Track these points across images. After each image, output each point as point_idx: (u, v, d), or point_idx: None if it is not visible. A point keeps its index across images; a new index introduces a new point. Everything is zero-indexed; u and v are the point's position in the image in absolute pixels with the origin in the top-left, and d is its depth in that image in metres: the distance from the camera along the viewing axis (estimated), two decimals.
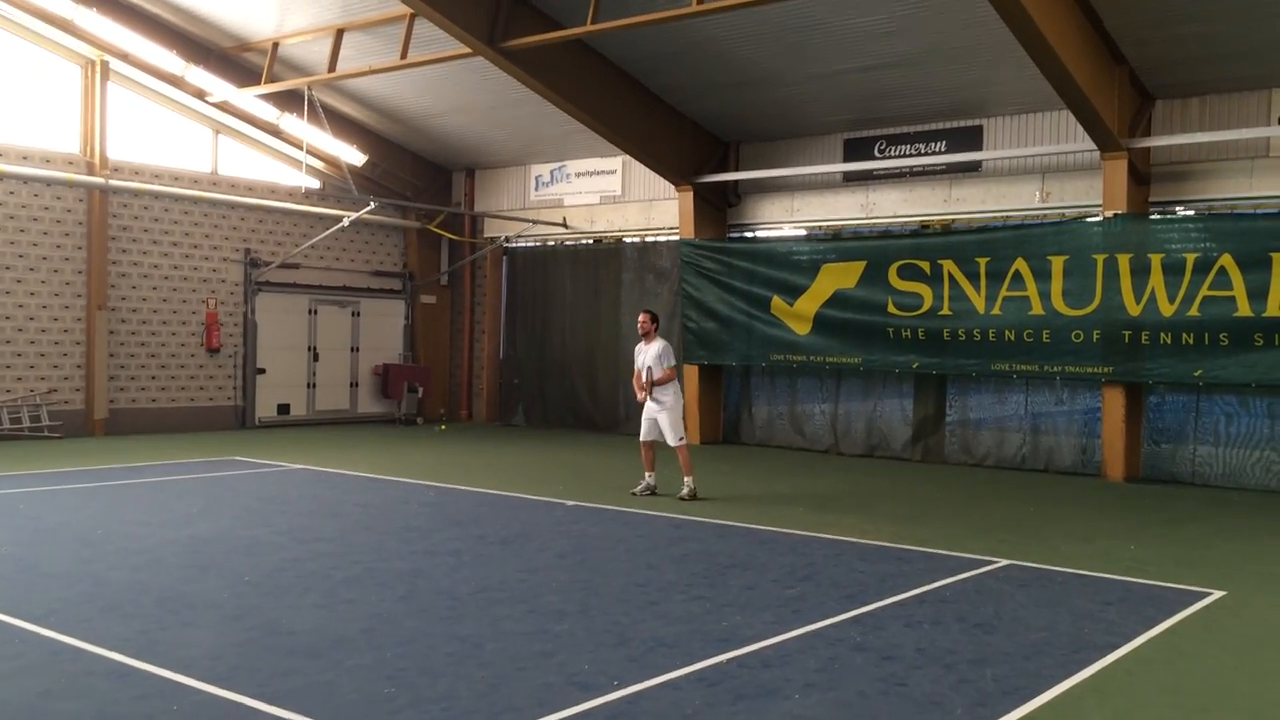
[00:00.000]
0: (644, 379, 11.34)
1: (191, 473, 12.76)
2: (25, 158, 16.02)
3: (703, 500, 11.21)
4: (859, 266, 15.57)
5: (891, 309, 15.23)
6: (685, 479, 11.33)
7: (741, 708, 4.93)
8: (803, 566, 8.07)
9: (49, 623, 6.05)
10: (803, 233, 17.14)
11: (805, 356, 16.20)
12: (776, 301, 16.39)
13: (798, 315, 16.17)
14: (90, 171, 16.64)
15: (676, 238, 17.88)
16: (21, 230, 16.03)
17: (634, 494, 11.43)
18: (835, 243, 16.35)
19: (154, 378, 17.57)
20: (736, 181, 17.46)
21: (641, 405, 11.47)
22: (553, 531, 9.37)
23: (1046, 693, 5.23)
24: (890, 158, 15.93)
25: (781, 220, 17.32)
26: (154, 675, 5.21)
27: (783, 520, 10.08)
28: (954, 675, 5.48)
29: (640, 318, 11.56)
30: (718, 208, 17.63)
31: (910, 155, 15.72)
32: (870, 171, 16.13)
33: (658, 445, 11.58)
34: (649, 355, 11.35)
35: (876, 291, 15.36)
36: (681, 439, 11.38)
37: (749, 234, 17.76)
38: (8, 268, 15.88)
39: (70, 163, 16.52)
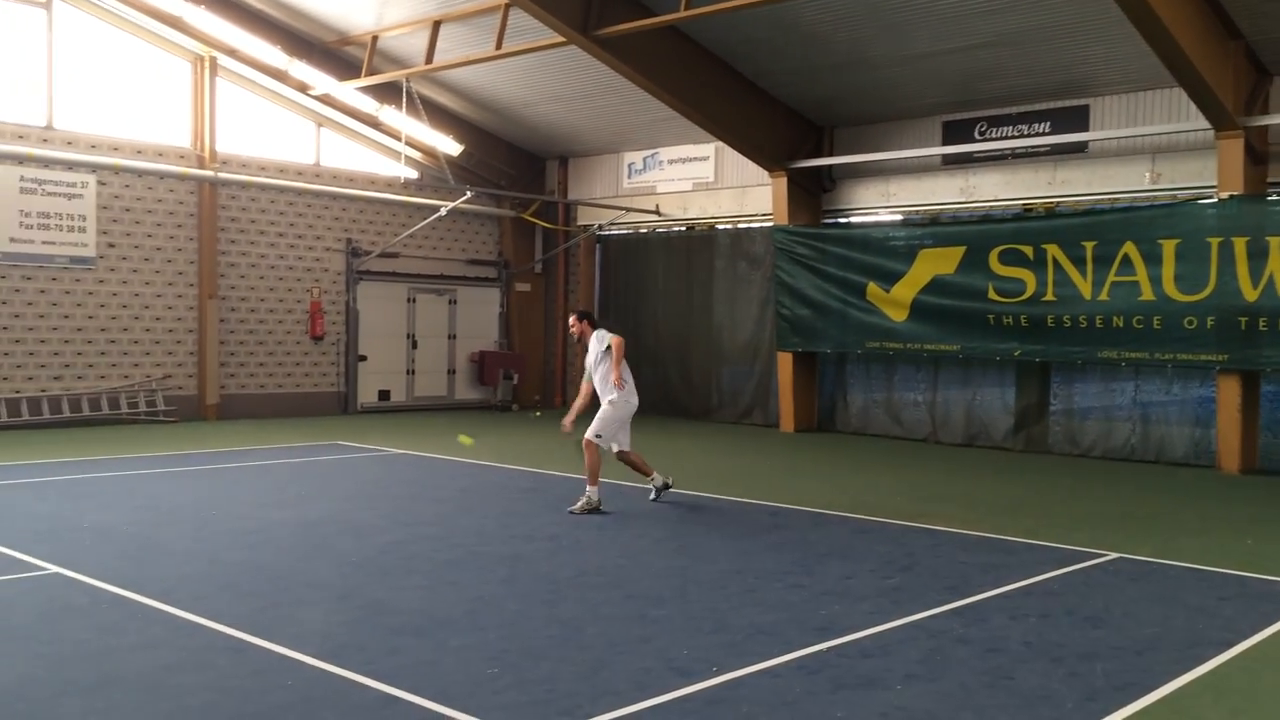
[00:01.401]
0: (591, 377, 10.00)
1: (298, 457, 13.15)
2: (140, 152, 16.65)
3: (604, 513, 9.50)
4: (958, 252, 15.26)
5: (992, 295, 14.89)
6: (587, 488, 9.58)
7: (842, 697, 4.90)
8: (902, 556, 7.97)
9: (170, 599, 6.30)
10: (899, 218, 16.86)
11: (902, 344, 15.95)
12: (872, 288, 16.16)
13: (894, 302, 15.93)
14: (200, 165, 17.22)
15: (770, 224, 17.75)
16: (137, 222, 16.67)
17: (653, 500, 10.13)
18: (933, 227, 16.05)
19: (261, 364, 18.13)
20: (831, 166, 17.24)
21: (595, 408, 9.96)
22: (648, 518, 9.42)
23: (1160, 689, 5.08)
24: (991, 140, 15.55)
25: (877, 205, 17.06)
26: (269, 651, 5.40)
27: (880, 509, 9.96)
28: (1062, 669, 5.36)
29: (570, 322, 10.27)
30: (812, 193, 17.45)
31: (1013, 137, 15.33)
32: (970, 154, 15.78)
33: (631, 449, 10.15)
34: (592, 353, 9.98)
35: (976, 277, 15.03)
36: (599, 437, 9.70)
37: (844, 219, 17.54)
38: (124, 258, 16.54)
39: (182, 156, 17.12)
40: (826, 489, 11.36)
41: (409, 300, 20.18)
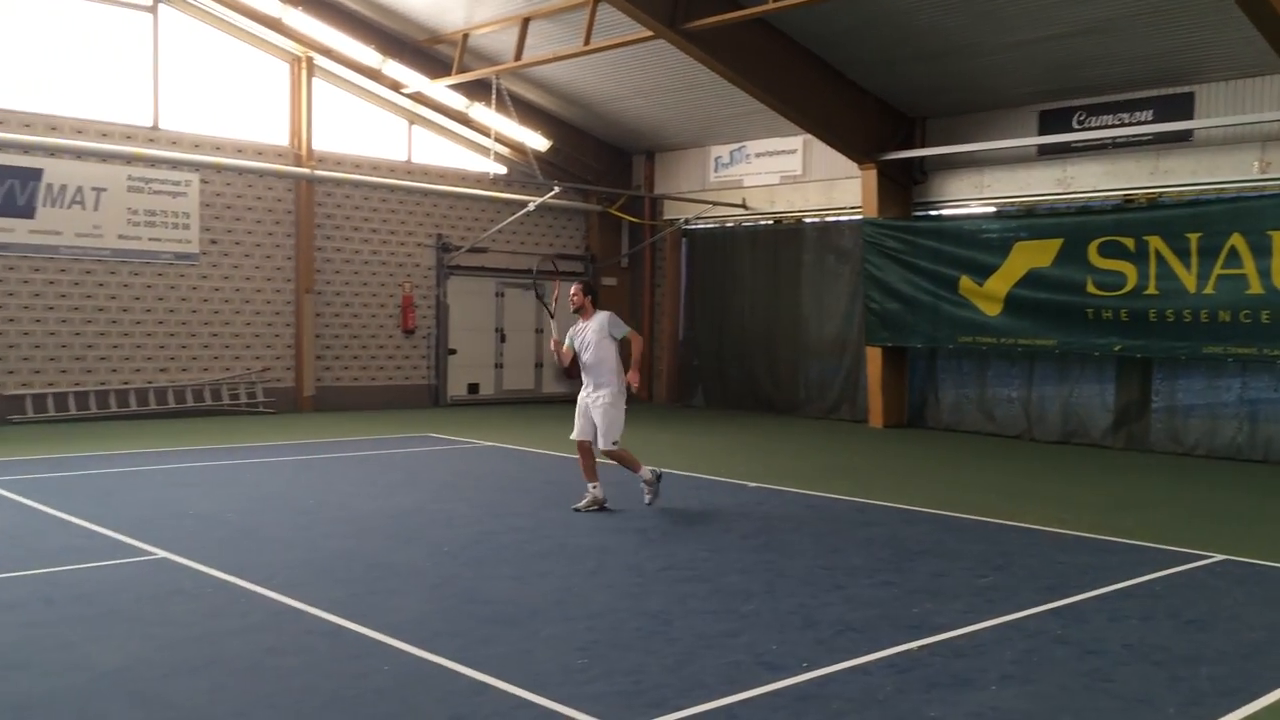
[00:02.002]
0: (564, 354, 9.43)
1: (391, 448, 13.42)
2: (240, 151, 17.15)
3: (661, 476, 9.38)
4: (1055, 244, 14.88)
5: (1091, 289, 14.49)
6: (640, 476, 9.27)
7: (935, 696, 4.83)
8: (996, 555, 7.82)
9: (271, 585, 6.50)
10: (993, 210, 16.51)
11: (996, 338, 15.62)
12: (965, 281, 15.86)
13: (988, 296, 15.61)
14: (298, 163, 17.67)
15: (859, 217, 17.54)
16: (237, 219, 17.19)
17: (577, 509, 9.13)
18: (1029, 219, 15.67)
19: (355, 357, 18.55)
20: (922, 158, 16.96)
21: (567, 366, 9.44)
22: (735, 512, 9.40)
23: (1267, 695, 4.90)
24: (1090, 129, 15.12)
25: (970, 197, 16.73)
26: (365, 636, 5.53)
27: (973, 507, 9.78)
28: (1164, 673, 5.20)
29: (572, 290, 9.46)
30: (902, 186, 17.19)
31: (1113, 126, 14.88)
32: (1068, 144, 15.36)
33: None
34: (590, 331, 9.24)
35: (1074, 270, 14.64)
36: (615, 444, 9.11)
37: (935, 212, 17.24)
38: (226, 255, 17.07)
39: (280, 155, 17.59)
40: (917, 486, 11.19)
41: (497, 295, 20.44)
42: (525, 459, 12.72)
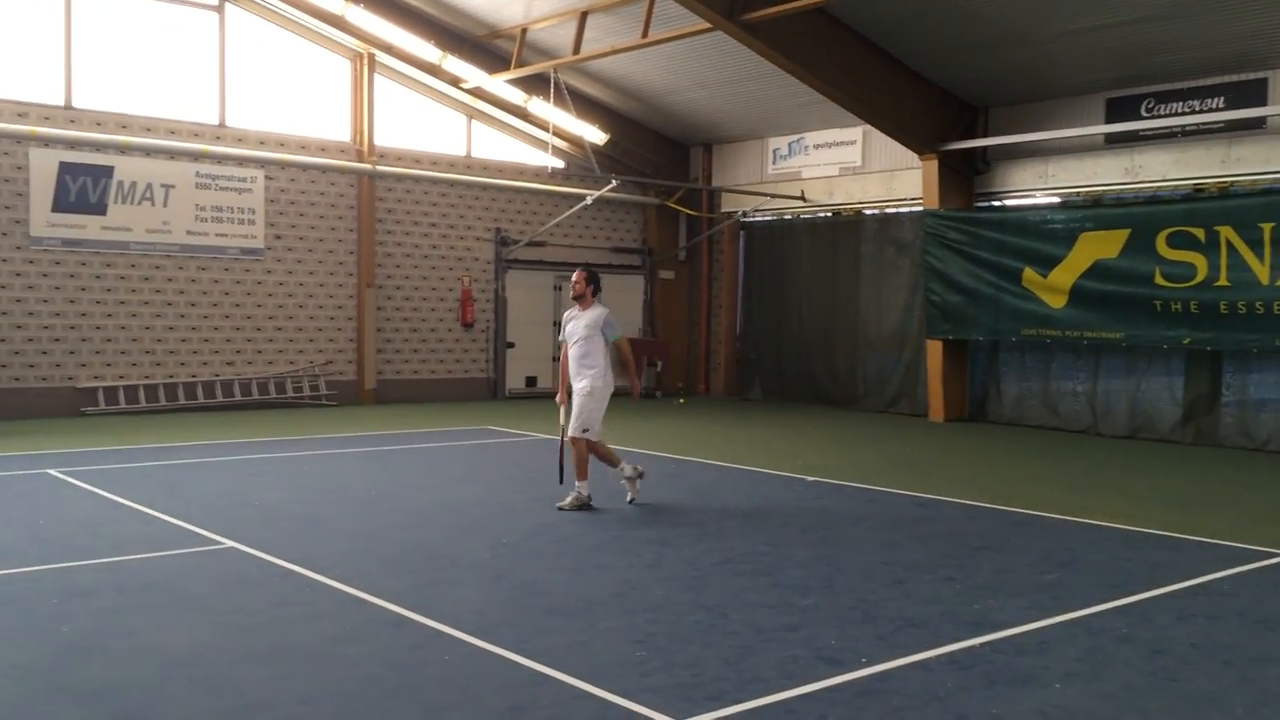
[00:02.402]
0: (568, 373, 9.06)
1: (450, 440, 13.57)
2: (304, 147, 17.42)
3: (594, 509, 8.85)
4: (1122, 235, 14.58)
5: (1159, 280, 14.18)
6: (576, 484, 8.89)
7: (997, 693, 4.77)
8: (1060, 551, 7.69)
9: (335, 574, 6.61)
10: (1058, 200, 16.22)
11: (1060, 331, 15.35)
12: (1028, 273, 15.60)
13: (1052, 287, 15.34)
14: (359, 158, 17.90)
15: (920, 209, 17.33)
16: (301, 214, 17.47)
17: (561, 508, 8.82)
18: (1095, 210, 15.37)
19: (415, 351, 18.77)
20: (985, 148, 16.69)
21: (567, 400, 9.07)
22: (793, 506, 9.35)
23: None
24: (1159, 117, 14.77)
25: (1034, 187, 16.44)
26: (427, 626, 5.60)
27: (1037, 503, 9.63)
28: (1233, 673, 5.09)
29: (574, 277, 9.15)
30: (964, 176, 16.94)
31: (1182, 114, 14.52)
32: (1136, 132, 15.02)
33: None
34: (582, 324, 8.96)
35: (1142, 261, 14.33)
36: (586, 432, 8.84)
37: (998, 203, 16.97)
38: (289, 249, 17.36)
39: (342, 151, 17.83)
40: (979, 480, 11.04)
41: (555, 288, 20.53)
42: None
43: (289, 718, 4.38)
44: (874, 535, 8.17)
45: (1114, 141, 15.37)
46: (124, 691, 4.62)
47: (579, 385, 8.92)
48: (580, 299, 9.07)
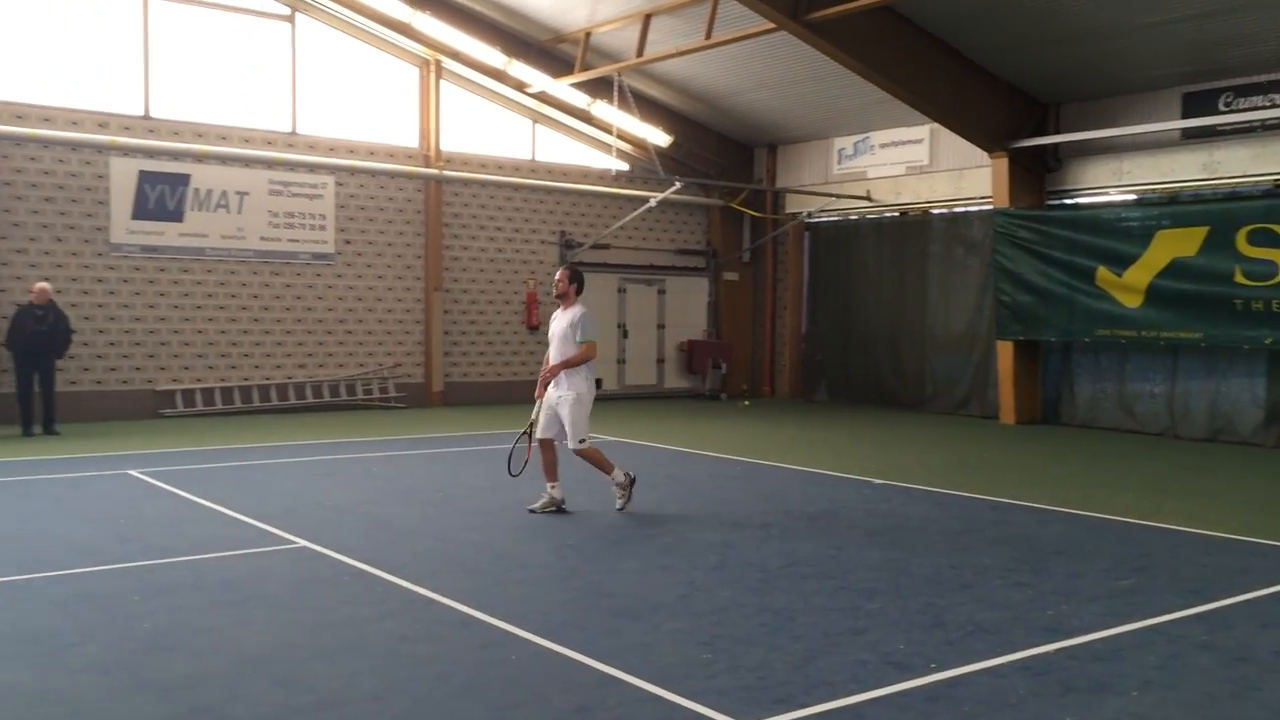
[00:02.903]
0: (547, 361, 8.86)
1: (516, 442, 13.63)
2: (373, 153, 17.71)
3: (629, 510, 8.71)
4: (1200, 232, 14.20)
5: (1240, 278, 13.78)
6: (614, 476, 8.82)
7: (1071, 700, 4.67)
8: (1136, 556, 7.51)
9: (403, 574, 6.70)
10: (1133, 197, 15.85)
11: (1136, 331, 15.00)
12: (1102, 272, 15.27)
13: (1127, 287, 15.00)
14: (427, 164, 18.14)
15: (989, 207, 17.06)
16: (370, 220, 17.76)
17: (532, 511, 8.74)
18: (1172, 207, 14.99)
19: (482, 353, 18.96)
20: (1056, 145, 16.38)
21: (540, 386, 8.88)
22: (861, 509, 9.26)
23: None
24: (1238, 111, 14.36)
25: (1108, 185, 16.10)
26: (493, 626, 5.65)
27: (1112, 506, 9.42)
28: None
29: (557, 275, 8.96)
30: (1035, 174, 16.64)
31: (1263, 107, 14.09)
32: (1214, 127, 14.63)
33: (561, 446, 8.89)
34: (563, 324, 8.73)
35: (1221, 259, 13.95)
36: (584, 441, 8.67)
37: (1070, 200, 16.65)
38: (359, 254, 17.65)
39: (410, 156, 18.09)
40: (1052, 484, 10.83)
41: (619, 290, 20.60)
42: (647, 454, 12.79)
43: (359, 715, 4.45)
44: (943, 539, 8.06)
45: (1191, 137, 14.98)
46: (202, 686, 4.73)
47: (563, 391, 8.62)
48: (563, 298, 8.83)
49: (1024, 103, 16.35)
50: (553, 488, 8.81)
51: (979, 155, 16.93)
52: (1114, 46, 14.37)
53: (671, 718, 4.45)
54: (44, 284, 13.76)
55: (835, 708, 4.55)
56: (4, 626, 5.55)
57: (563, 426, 8.68)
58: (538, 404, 8.87)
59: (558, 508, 8.77)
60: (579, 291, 8.88)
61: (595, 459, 8.82)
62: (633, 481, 8.94)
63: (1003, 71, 15.87)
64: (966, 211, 18.02)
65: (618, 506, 8.83)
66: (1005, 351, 16.58)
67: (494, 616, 5.79)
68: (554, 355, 8.76)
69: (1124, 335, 15.17)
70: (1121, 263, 15.05)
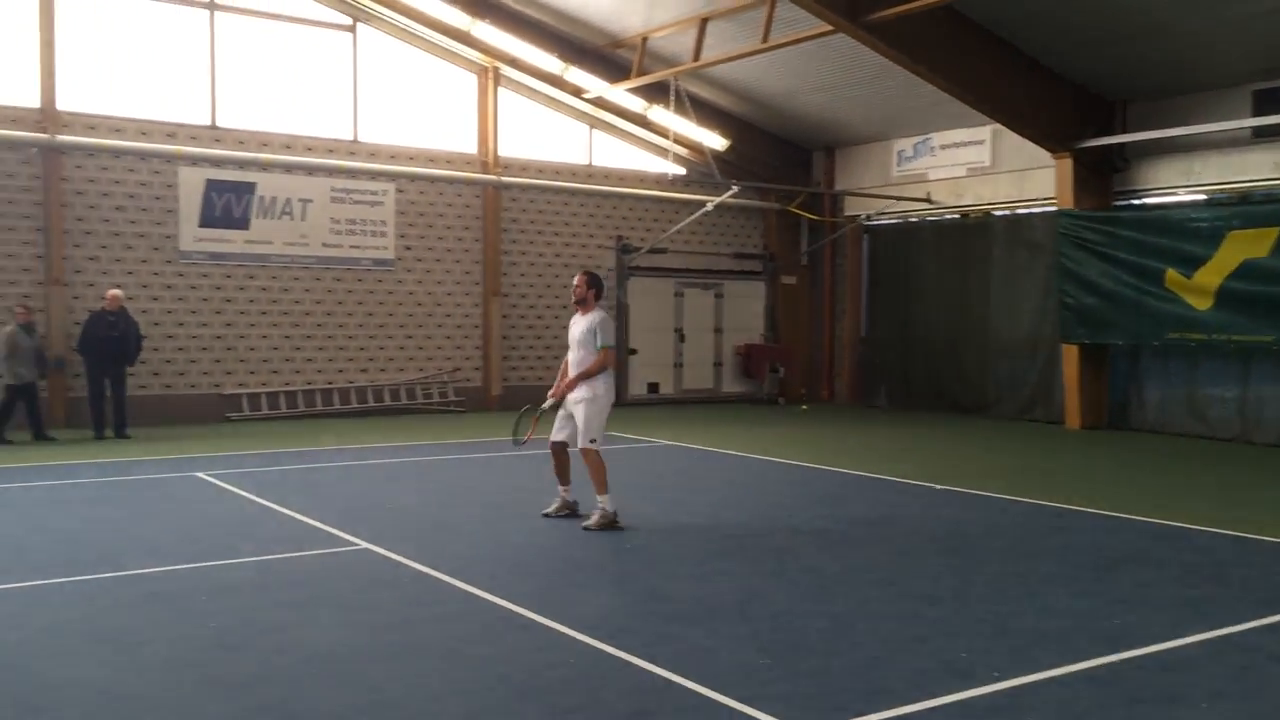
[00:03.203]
0: (565, 367, 8.71)
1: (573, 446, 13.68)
2: (432, 160, 17.91)
3: (621, 528, 8.24)
4: (1272, 233, 13.83)
5: None
6: (597, 499, 8.35)
7: (1139, 712, 4.57)
8: (1207, 565, 7.33)
9: (464, 576, 6.76)
10: (1203, 197, 15.48)
11: (1206, 335, 14.64)
12: (1171, 274, 14.93)
13: (1197, 289, 14.65)
14: (485, 170, 18.31)
15: (1053, 209, 16.77)
16: (430, 226, 17.96)
17: (546, 515, 8.72)
18: (1243, 207, 14.61)
19: (540, 357, 19.07)
20: (1123, 145, 16.05)
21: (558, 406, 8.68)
22: (921, 515, 9.15)
23: None
24: None
25: (1176, 185, 15.74)
26: (552, 629, 5.68)
27: (1183, 514, 9.19)
28: None
29: (575, 280, 8.74)
30: (1101, 174, 16.32)
31: None
32: None
33: (573, 451, 8.68)
34: (581, 328, 8.56)
35: None
36: (594, 441, 8.41)
37: (1138, 201, 16.30)
38: (419, 260, 17.86)
39: (468, 163, 18.26)
40: (1119, 490, 10.61)
41: (676, 295, 20.59)
42: (705, 458, 12.77)
43: (420, 715, 4.50)
44: (1007, 546, 7.93)
45: (1263, 135, 14.58)
46: (267, 684, 4.81)
47: (581, 394, 8.44)
48: (582, 303, 8.63)
49: (1089, 102, 16.05)
50: (565, 491, 8.76)
51: (1043, 156, 16.65)
52: (1183, 43, 14.05)
53: None
54: (116, 291, 14.13)
55: (894, 715, 4.50)
56: (77, 625, 5.70)
57: (575, 428, 8.50)
58: (550, 400, 8.78)
59: (571, 511, 8.69)
60: (598, 296, 8.74)
61: (596, 469, 8.35)
62: (613, 522, 8.29)
63: (1068, 70, 15.60)
64: (1030, 213, 17.74)
65: (585, 524, 8.30)
66: (1071, 355, 16.28)
67: (552, 619, 5.82)
68: (573, 360, 8.62)
69: (1194, 338, 14.81)
70: (1191, 264, 14.71)
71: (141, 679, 4.89)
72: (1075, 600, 6.37)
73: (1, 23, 14.76)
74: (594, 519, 8.31)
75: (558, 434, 8.67)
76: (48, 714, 4.44)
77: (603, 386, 8.51)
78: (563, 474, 8.77)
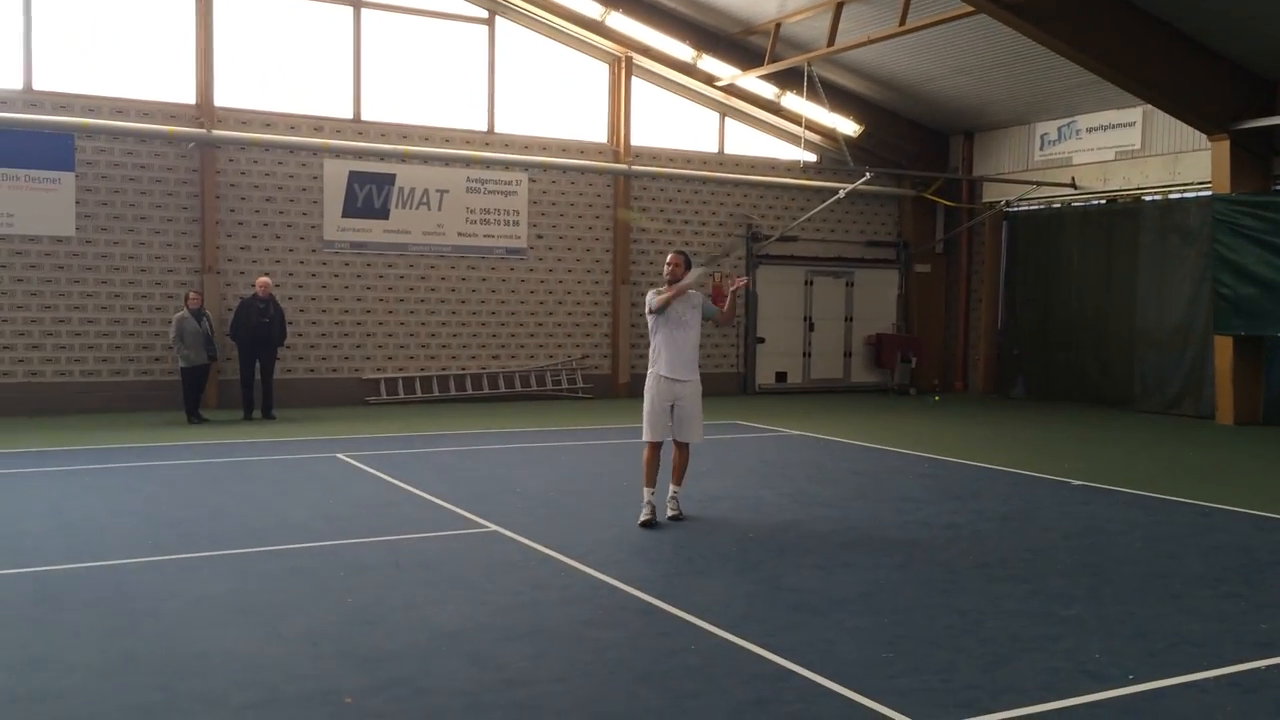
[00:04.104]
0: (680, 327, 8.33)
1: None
2: (564, 150, 18.16)
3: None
4: None
5: None
6: (675, 490, 8.25)
7: None
8: None
9: (589, 561, 6.87)
10: None
11: None
12: None
13: None
14: (616, 159, 18.45)
15: (1208, 193, 15.94)
16: (561, 215, 18.22)
17: (643, 523, 7.95)
18: None
19: None
20: None
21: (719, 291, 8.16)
22: (1057, 511, 8.86)
23: None
24: None
25: None
26: (675, 615, 5.73)
27: None
28: None
29: (669, 258, 8.43)
30: (1261, 157, 15.43)
31: None
32: None
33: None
34: (689, 308, 8.42)
35: None
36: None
37: None
38: (550, 248, 18.14)
39: (600, 152, 18.44)
40: (1273, 489, 10.05)
41: (806, 283, 20.38)
42: (832, 448, 12.63)
43: (545, 694, 4.60)
44: (1149, 545, 7.61)
45: None
46: (400, 659, 5.00)
47: (688, 385, 8.25)
48: (676, 276, 8.31)
49: (1248, 81, 15.18)
50: (652, 494, 8.12)
51: (1197, 138, 15.84)
52: None
53: (850, 715, 4.40)
54: (265, 278, 14.81)
55: (1023, 714, 4.40)
56: (225, 596, 6.03)
57: (684, 420, 8.21)
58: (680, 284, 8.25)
59: (678, 512, 8.23)
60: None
61: (648, 463, 8.12)
62: (650, 521, 7.92)
63: (1225, 48, 14.77)
64: (1183, 198, 16.91)
65: (670, 513, 8.14)
66: (1224, 347, 15.46)
67: (675, 606, 5.87)
68: (686, 341, 8.34)
69: None
70: None
71: (283, 650, 5.14)
72: (1221, 603, 6.09)
73: (162, 23, 15.60)
74: (677, 507, 8.18)
75: (660, 434, 8.27)
76: (196, 680, 4.72)
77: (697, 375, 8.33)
78: (652, 477, 8.15)
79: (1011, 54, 16.10)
